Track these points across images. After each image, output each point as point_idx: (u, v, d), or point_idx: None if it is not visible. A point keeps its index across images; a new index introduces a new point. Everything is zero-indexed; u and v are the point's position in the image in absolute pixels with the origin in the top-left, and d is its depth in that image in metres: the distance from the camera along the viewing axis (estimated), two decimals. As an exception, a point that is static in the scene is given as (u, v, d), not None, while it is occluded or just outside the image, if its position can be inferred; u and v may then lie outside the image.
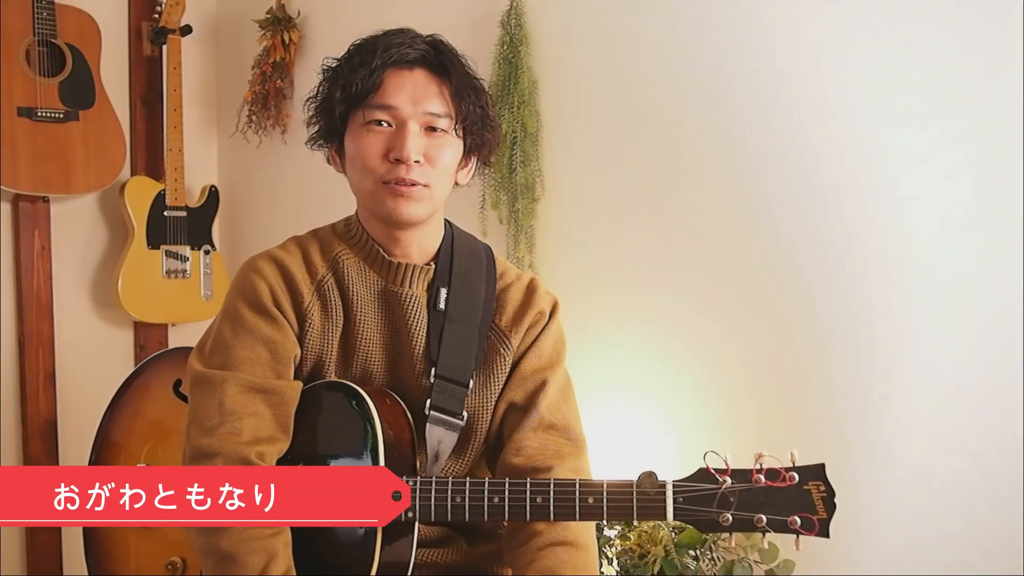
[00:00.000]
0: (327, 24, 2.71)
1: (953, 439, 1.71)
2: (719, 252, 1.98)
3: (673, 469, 1.99)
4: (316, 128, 1.38)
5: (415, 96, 1.30)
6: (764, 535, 1.14)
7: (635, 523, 1.90)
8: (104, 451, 1.61)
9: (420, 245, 1.38)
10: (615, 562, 1.89)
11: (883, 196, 1.77)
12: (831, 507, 1.14)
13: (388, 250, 1.37)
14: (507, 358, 1.38)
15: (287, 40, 2.71)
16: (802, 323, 1.87)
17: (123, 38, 2.79)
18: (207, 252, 2.79)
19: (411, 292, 1.36)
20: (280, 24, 2.72)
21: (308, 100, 1.39)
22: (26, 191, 2.51)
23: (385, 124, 1.31)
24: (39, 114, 2.46)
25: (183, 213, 2.74)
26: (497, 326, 1.39)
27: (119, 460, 1.59)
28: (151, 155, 2.80)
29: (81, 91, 2.54)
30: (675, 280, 2.04)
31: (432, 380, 1.34)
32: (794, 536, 1.15)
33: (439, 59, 1.33)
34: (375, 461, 1.26)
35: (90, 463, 1.61)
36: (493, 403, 1.38)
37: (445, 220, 1.43)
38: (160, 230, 2.70)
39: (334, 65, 1.36)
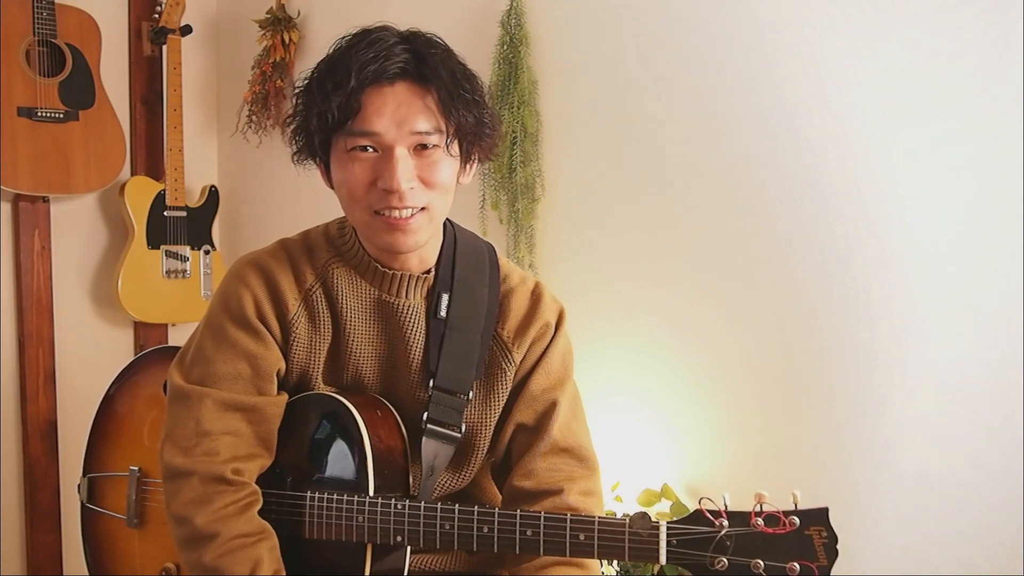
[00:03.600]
0: (327, 24, 2.71)
1: (953, 439, 1.70)
2: (719, 252, 1.97)
3: (673, 469, 2.01)
4: (298, 148, 1.28)
5: (398, 116, 1.17)
6: None
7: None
8: (107, 424, 1.58)
9: (420, 257, 1.30)
10: (615, 562, 1.89)
11: (883, 196, 1.77)
12: (833, 554, 1.09)
13: (385, 263, 1.29)
14: (509, 373, 1.31)
15: (287, 40, 2.71)
16: (802, 323, 1.87)
17: (123, 38, 2.79)
18: (207, 252, 2.79)
19: (408, 302, 1.29)
20: (280, 24, 2.72)
21: (286, 120, 1.28)
22: (26, 191, 2.50)
23: (370, 149, 1.19)
24: (39, 114, 2.46)
25: (183, 213, 2.74)
26: (499, 336, 1.31)
27: (123, 433, 1.57)
28: (151, 155, 2.80)
29: (81, 91, 2.54)
30: (675, 280, 2.04)
31: (430, 392, 1.28)
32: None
33: (420, 69, 1.19)
34: (364, 474, 1.23)
35: (88, 446, 1.60)
36: (494, 418, 1.32)
37: (446, 220, 1.35)
38: (160, 230, 2.70)
39: (306, 86, 1.24)
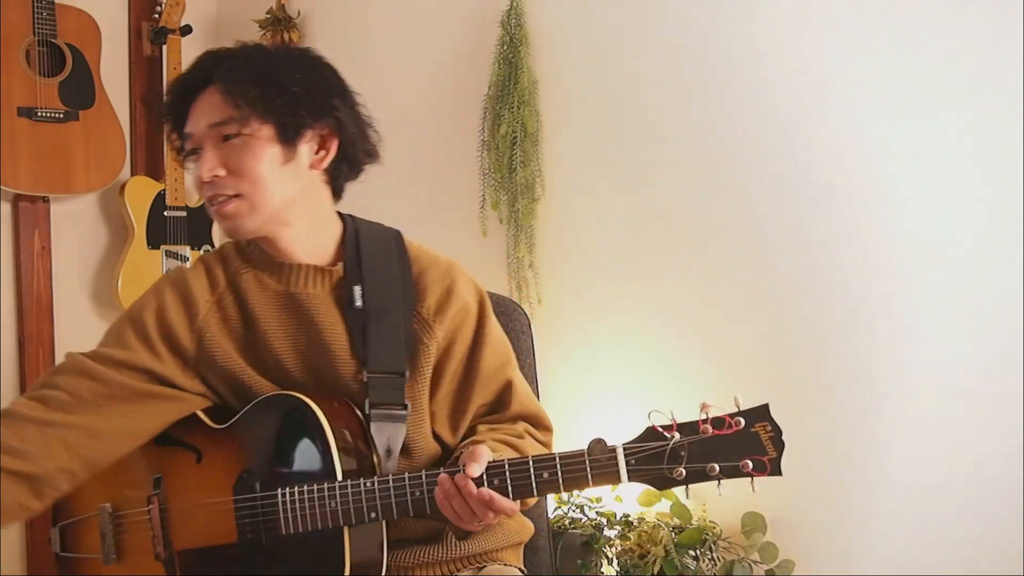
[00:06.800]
0: (327, 24, 2.71)
1: (953, 439, 1.71)
2: (719, 252, 1.97)
3: (673, 469, 2.00)
4: None
5: (202, 116, 1.29)
6: (720, 483, 1.16)
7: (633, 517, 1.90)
8: None
9: (304, 247, 1.35)
10: (615, 562, 1.89)
11: (883, 196, 1.77)
12: (780, 445, 1.16)
13: (277, 256, 1.35)
14: (431, 348, 1.34)
15: (287, 40, 2.71)
16: (802, 323, 1.87)
17: (123, 38, 2.79)
18: (207, 252, 2.79)
19: (314, 292, 1.34)
20: (280, 24, 2.72)
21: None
22: (26, 191, 2.50)
23: (197, 151, 1.31)
24: (39, 114, 2.46)
25: (183, 213, 2.74)
26: (419, 314, 1.35)
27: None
28: (151, 155, 2.80)
29: (81, 91, 2.54)
30: (674, 279, 2.04)
31: (366, 378, 1.31)
32: (750, 481, 1.16)
33: (206, 75, 1.30)
34: (330, 463, 1.25)
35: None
36: (424, 390, 1.35)
37: (345, 214, 1.40)
38: (160, 230, 2.70)
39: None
